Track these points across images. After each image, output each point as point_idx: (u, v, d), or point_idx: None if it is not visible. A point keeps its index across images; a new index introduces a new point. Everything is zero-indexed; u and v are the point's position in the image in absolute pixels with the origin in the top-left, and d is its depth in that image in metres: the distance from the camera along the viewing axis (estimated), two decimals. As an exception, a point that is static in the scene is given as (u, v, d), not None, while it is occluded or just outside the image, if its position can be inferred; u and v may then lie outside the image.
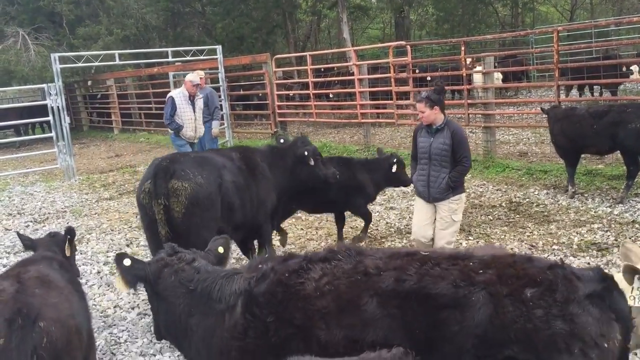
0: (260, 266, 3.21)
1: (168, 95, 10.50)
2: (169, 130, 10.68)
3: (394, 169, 7.55)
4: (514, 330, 2.63)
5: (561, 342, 2.57)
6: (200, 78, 12.58)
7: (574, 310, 2.60)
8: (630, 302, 2.84)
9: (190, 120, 10.40)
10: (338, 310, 2.86)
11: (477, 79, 14.20)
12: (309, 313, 2.90)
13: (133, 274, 3.31)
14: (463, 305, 2.71)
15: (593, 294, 2.64)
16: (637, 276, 2.92)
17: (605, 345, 2.58)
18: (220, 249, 3.73)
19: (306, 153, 6.75)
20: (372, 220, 8.82)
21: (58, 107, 14.28)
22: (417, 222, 6.34)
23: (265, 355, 2.96)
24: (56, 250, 4.28)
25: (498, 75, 17.66)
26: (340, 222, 7.93)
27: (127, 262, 3.33)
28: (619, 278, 2.99)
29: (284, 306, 2.95)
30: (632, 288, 2.90)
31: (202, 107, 10.83)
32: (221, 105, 15.14)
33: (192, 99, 10.40)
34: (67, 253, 4.43)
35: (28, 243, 4.39)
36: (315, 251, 3.30)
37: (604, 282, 2.68)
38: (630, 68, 14.39)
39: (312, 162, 6.78)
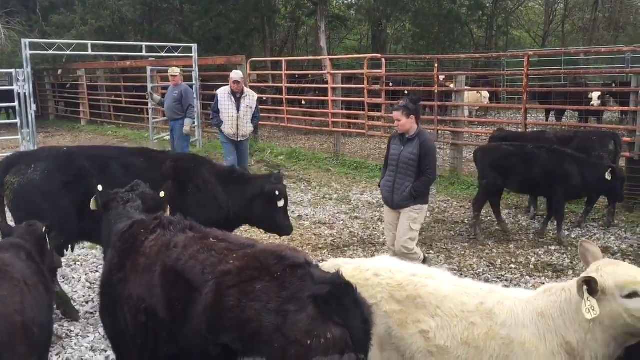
0: (142, 219, 3.72)
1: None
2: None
3: (608, 177, 7.78)
4: (228, 319, 2.85)
5: (266, 335, 2.75)
6: (175, 76, 12.50)
7: (290, 307, 2.76)
8: (587, 315, 2.92)
9: (231, 118, 10.04)
10: (142, 271, 3.31)
11: (467, 97, 14.38)
12: (132, 265, 3.39)
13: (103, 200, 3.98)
14: (201, 290, 3.00)
15: (318, 295, 2.76)
16: (585, 287, 2.95)
17: (308, 342, 2.68)
18: (162, 193, 4.30)
19: (277, 193, 6.17)
20: (336, 229, 8.88)
21: (25, 93, 13.97)
22: (386, 229, 6.68)
23: (113, 287, 3.45)
24: (28, 239, 4.13)
25: (485, 94, 17.99)
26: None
27: (100, 187, 4.10)
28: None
29: (125, 253, 3.48)
30: (584, 300, 2.95)
31: (251, 106, 10.31)
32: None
33: (237, 96, 10.08)
34: (48, 247, 4.33)
35: (6, 231, 4.29)
36: (171, 218, 3.64)
37: (334, 287, 2.79)
38: (590, 96, 14.79)
39: (280, 205, 6.22)
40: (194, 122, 14.66)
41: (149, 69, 16.58)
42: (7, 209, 5.88)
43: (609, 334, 2.99)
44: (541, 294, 3.24)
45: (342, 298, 2.79)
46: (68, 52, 16.34)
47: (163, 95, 14.72)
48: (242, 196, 6.24)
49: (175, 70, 12.53)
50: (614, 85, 17.86)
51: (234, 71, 10.53)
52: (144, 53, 17.40)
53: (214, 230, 3.51)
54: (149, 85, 16.18)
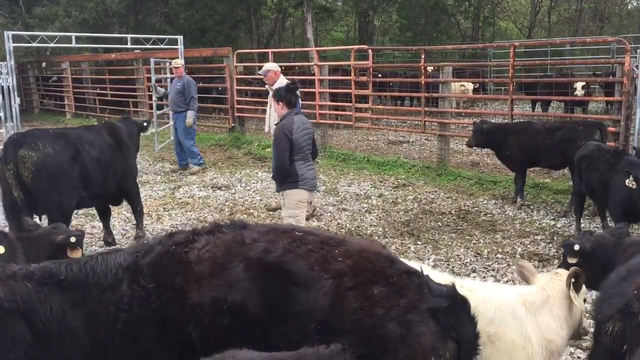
0: (146, 242, 3.32)
1: None
2: None
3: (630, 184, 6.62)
4: (351, 321, 2.70)
5: (391, 344, 2.65)
6: (177, 68, 12.45)
7: (413, 318, 2.68)
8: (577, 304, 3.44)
9: (267, 115, 9.39)
10: (210, 273, 2.98)
11: (453, 88, 14.40)
12: (187, 277, 3.00)
13: None
14: (310, 288, 2.80)
15: (437, 308, 2.72)
16: (572, 280, 3.41)
17: (433, 358, 2.65)
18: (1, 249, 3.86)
19: (145, 124, 8.43)
20: (324, 221, 8.88)
21: (8, 86, 13.82)
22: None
23: (146, 322, 2.99)
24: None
25: (470, 86, 18.05)
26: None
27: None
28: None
29: (166, 272, 3.04)
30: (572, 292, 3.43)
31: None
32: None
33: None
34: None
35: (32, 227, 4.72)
36: (211, 226, 3.37)
37: (452, 301, 2.76)
38: (574, 86, 14.87)
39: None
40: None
41: (152, 60, 16.15)
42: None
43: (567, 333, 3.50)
44: None
45: (459, 313, 2.77)
46: (52, 45, 16.14)
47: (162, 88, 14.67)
48: (135, 142, 8.37)
49: (178, 62, 12.54)
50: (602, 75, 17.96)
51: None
52: (129, 45, 17.24)
53: (286, 224, 3.49)
54: (153, 78, 15.81)
